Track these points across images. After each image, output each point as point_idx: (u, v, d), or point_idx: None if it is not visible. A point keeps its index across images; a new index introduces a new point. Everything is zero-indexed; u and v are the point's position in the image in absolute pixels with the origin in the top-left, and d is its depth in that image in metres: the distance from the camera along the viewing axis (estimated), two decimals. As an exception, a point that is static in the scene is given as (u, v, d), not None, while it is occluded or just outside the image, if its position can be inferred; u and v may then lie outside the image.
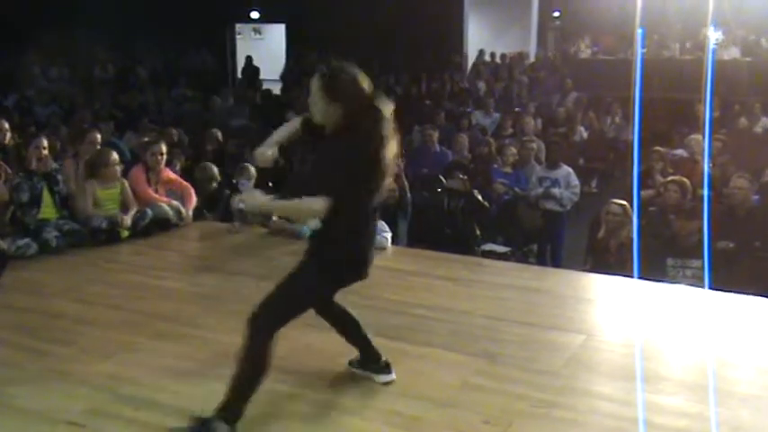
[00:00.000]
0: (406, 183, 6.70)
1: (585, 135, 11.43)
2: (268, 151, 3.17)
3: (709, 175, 6.44)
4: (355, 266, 3.06)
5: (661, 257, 5.31)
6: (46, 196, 5.57)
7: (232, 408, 2.90)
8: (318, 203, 2.84)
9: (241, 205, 3.87)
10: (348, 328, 3.37)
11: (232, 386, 2.90)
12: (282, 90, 15.42)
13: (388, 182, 3.04)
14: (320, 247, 3.03)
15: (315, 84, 2.97)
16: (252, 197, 3.31)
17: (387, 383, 3.35)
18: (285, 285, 3.00)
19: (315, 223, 3.11)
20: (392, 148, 2.96)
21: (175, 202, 6.14)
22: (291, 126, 3.30)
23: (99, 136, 6.39)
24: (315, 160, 3.12)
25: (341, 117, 2.94)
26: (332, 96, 2.93)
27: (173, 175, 6.42)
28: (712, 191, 6.38)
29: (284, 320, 2.98)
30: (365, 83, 2.98)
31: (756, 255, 5.14)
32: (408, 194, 6.65)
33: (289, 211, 3.79)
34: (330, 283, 3.09)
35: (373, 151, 2.89)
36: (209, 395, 3.23)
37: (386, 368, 3.38)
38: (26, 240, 5.28)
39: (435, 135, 9.16)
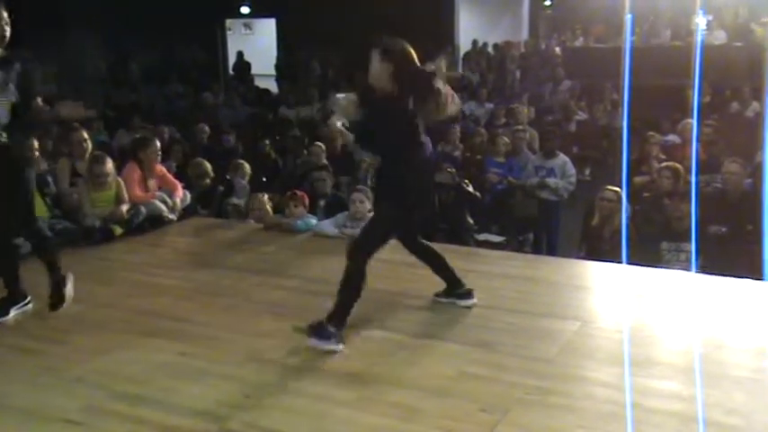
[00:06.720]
0: None
1: (579, 123, 11.44)
2: (338, 122, 3.86)
3: (698, 161, 6.47)
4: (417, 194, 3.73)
5: (656, 242, 5.33)
6: (37, 198, 5.56)
7: (339, 317, 3.60)
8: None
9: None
10: (433, 261, 4.08)
11: (339, 301, 3.59)
12: (277, 82, 15.36)
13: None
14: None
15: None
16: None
17: (468, 307, 4.06)
18: (369, 223, 3.91)
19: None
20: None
21: (159, 193, 6.13)
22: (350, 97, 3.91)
23: (86, 135, 6.37)
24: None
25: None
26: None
27: (164, 170, 6.43)
28: (703, 176, 6.39)
29: (374, 247, 3.68)
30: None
31: (748, 239, 5.15)
32: None
33: None
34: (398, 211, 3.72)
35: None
36: (205, 390, 3.25)
37: (468, 294, 4.09)
38: (19, 240, 5.26)
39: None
